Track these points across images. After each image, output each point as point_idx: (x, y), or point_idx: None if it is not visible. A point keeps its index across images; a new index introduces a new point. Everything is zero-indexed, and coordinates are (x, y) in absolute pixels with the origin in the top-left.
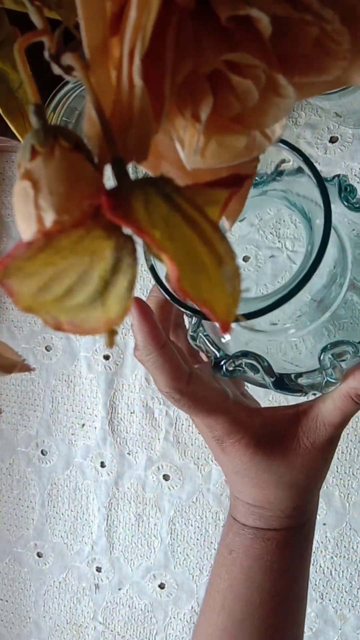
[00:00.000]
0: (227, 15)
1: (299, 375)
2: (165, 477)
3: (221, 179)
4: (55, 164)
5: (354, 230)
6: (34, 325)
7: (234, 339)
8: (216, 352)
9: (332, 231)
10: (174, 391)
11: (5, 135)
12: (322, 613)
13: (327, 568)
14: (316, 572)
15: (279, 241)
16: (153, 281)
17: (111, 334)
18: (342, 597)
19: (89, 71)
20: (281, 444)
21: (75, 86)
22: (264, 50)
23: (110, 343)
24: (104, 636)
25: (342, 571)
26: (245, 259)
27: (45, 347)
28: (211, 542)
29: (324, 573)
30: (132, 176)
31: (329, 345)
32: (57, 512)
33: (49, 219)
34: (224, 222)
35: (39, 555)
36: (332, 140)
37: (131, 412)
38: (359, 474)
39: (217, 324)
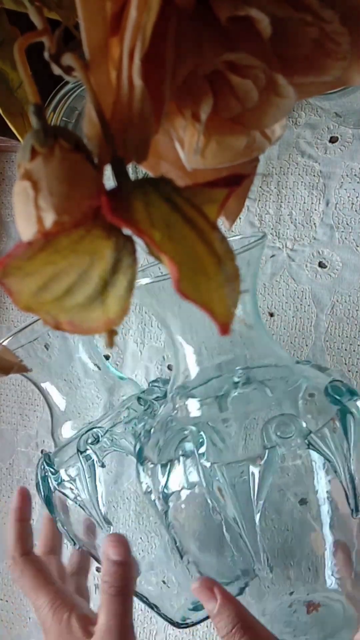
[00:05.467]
0: (227, 15)
1: None
2: None
3: (220, 178)
4: (55, 164)
5: None
6: (33, 325)
7: None
8: None
9: None
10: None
11: (5, 135)
12: None
13: None
14: None
15: (279, 241)
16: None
17: (111, 334)
18: None
19: (89, 71)
20: None
21: (75, 86)
22: (264, 51)
23: (110, 343)
24: None
25: None
26: None
27: (45, 346)
28: None
29: None
30: (132, 176)
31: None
32: None
33: (49, 219)
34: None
35: None
36: (332, 140)
37: None
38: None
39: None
